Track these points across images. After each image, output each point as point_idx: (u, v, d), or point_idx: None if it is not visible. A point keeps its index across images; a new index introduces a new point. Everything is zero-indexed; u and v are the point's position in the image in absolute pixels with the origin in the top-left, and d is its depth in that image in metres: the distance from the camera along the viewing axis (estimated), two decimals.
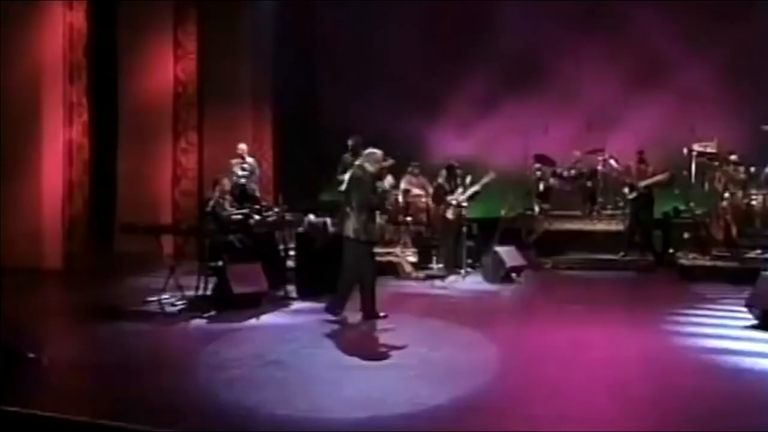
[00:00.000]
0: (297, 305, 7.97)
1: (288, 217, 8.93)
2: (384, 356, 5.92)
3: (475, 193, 9.76)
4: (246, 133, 12.14)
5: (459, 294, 8.74)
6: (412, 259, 10.04)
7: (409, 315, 7.52)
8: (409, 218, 10.83)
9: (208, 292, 7.84)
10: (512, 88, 12.50)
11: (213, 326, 7.04)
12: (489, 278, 9.41)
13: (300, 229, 8.89)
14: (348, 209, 6.86)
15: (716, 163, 10.19)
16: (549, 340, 6.41)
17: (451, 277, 9.57)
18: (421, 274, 9.79)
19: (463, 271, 9.58)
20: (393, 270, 9.75)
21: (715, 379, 5.25)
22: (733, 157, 10.09)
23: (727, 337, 6.48)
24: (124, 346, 6.27)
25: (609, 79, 12.09)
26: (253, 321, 7.22)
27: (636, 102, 11.92)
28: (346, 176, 9.61)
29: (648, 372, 5.47)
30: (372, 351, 6.17)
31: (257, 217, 8.50)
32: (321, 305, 7.60)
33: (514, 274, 9.39)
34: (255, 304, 7.59)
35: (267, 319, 7.33)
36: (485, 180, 9.56)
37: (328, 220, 8.94)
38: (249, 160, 10.65)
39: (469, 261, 9.83)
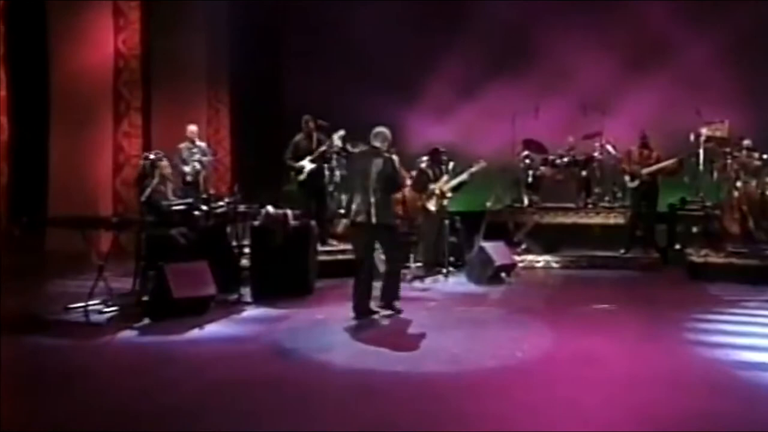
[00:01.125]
0: (251, 311, 7.14)
1: (242, 208, 7.98)
2: (349, 381, 4.97)
3: (462, 183, 8.98)
4: (200, 116, 11.57)
5: (441, 297, 7.94)
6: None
7: (381, 324, 6.65)
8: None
9: (145, 297, 6.85)
10: (498, 68, 11.98)
11: (145, 339, 6.11)
12: (474, 278, 8.64)
13: (256, 223, 7.95)
14: (363, 194, 6.48)
15: (727, 149, 9.43)
16: (552, 355, 5.59)
17: (432, 278, 8.78)
18: None
19: (445, 270, 8.80)
20: None
21: (759, 402, 4.43)
22: (746, 142, 9.36)
23: (761, 348, 5.62)
24: (32, 365, 5.28)
25: (606, 57, 11.56)
26: (195, 332, 6.25)
27: (636, 82, 11.39)
28: (306, 163, 8.99)
29: (675, 393, 4.65)
30: (335, 373, 5.18)
31: (204, 207, 7.47)
32: (278, 312, 6.86)
33: (503, 274, 8.64)
34: (200, 310, 6.75)
35: (213, 329, 6.42)
36: (474, 168, 8.78)
37: (289, 212, 7.99)
38: (200, 144, 9.88)
39: (452, 259, 9.11)
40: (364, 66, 12.06)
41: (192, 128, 9.82)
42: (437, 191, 9.09)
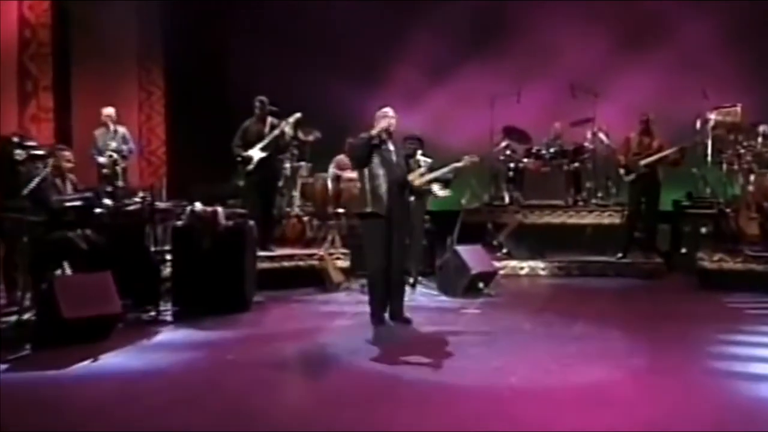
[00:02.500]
0: (167, 335, 6.08)
1: (163, 205, 6.98)
2: None
3: (444, 181, 7.85)
4: (129, 99, 10.86)
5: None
6: (343, 263, 8.24)
7: (332, 349, 5.59)
8: (341, 210, 9.02)
9: (28, 317, 5.77)
10: (474, 46, 11.31)
11: (18, 376, 4.86)
12: (447, 289, 7.71)
13: (179, 223, 6.90)
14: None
15: (740, 137, 8.57)
16: (550, 392, 4.51)
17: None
18: (354, 283, 7.98)
19: (411, 279, 7.79)
20: (316, 279, 7.99)
21: None
22: (762, 129, 8.50)
23: None
24: None
25: (597, 32, 10.80)
26: (84, 366, 5.01)
27: (632, 60, 10.70)
28: (256, 152, 8.02)
29: None
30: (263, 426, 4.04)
31: (108, 202, 6.30)
32: (203, 335, 5.90)
33: (480, 284, 7.68)
34: (100, 334, 5.68)
35: (111, 361, 5.26)
36: (461, 163, 7.45)
37: (220, 210, 6.90)
38: (119, 129, 8.85)
39: (420, 267, 8.24)
40: (324, 45, 11.37)
41: (108, 111, 8.78)
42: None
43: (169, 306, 6.75)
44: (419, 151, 8.10)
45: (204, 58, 11.29)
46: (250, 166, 8.08)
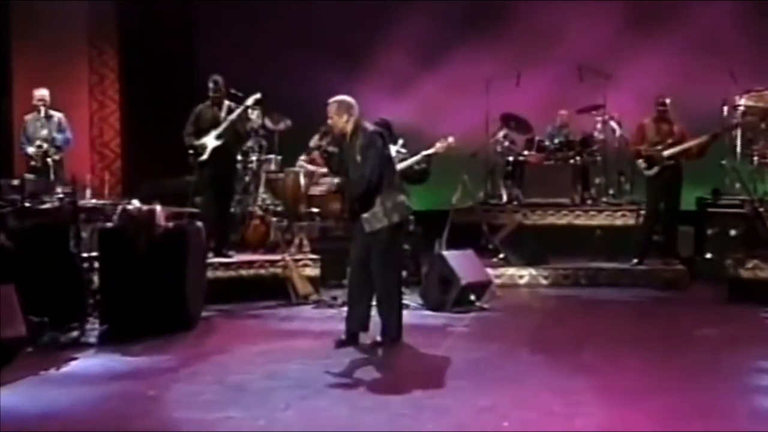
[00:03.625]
0: (85, 361, 5.29)
1: (90, 203, 6.29)
2: None
3: (421, 172, 7.32)
4: (78, 84, 10.35)
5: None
6: (311, 271, 7.45)
7: (281, 382, 4.73)
8: (314, 209, 8.42)
9: None
10: (468, 26, 10.96)
11: None
12: (432, 302, 6.95)
13: (109, 224, 6.15)
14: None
15: None
16: None
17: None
18: (325, 295, 7.23)
19: None
20: (280, 290, 7.20)
21: None
22: None
23: None
24: None
25: (608, 9, 10.51)
26: None
27: (648, 38, 10.27)
28: (210, 139, 7.35)
29: None
30: None
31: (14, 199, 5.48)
32: (129, 362, 5.19)
33: (472, 296, 6.92)
34: (3, 360, 4.86)
35: (4, 400, 4.32)
36: (433, 149, 7.03)
37: (158, 209, 6.17)
38: (54, 115, 8.12)
39: (404, 274, 7.26)
40: (302, 25, 11.02)
41: (40, 93, 8.03)
42: None
43: (97, 324, 5.90)
44: (400, 140, 7.50)
45: (164, 37, 10.72)
46: (203, 157, 7.31)
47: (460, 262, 6.99)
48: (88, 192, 6.74)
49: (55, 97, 9.13)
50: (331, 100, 5.49)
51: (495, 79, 9.70)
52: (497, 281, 7.85)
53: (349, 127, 5.40)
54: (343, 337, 5.51)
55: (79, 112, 10.10)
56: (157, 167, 9.12)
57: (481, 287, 7.05)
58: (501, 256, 8.40)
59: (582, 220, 9.16)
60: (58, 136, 7.85)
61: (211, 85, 7.43)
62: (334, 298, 6.98)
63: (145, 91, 10.49)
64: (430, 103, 10.82)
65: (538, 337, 5.90)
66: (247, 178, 8.51)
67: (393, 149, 7.26)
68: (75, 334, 5.72)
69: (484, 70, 10.01)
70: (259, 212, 7.90)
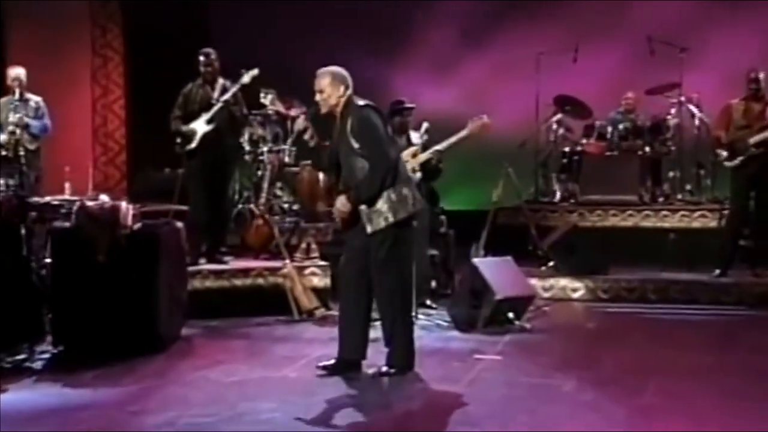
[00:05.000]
0: (16, 394, 4.59)
1: (43, 199, 5.75)
2: None
3: (432, 168, 6.69)
4: (80, 67, 10.11)
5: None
6: (319, 282, 6.81)
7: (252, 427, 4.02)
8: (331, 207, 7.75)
9: None
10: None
11: None
12: (460, 321, 6.20)
13: (66, 225, 5.56)
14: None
15: None
16: None
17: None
18: (334, 311, 6.47)
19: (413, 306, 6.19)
20: (281, 302, 6.54)
21: None
22: None
23: None
24: None
25: None
26: None
27: (733, 7, 9.65)
28: (200, 124, 6.81)
29: None
30: None
31: None
32: (72, 394, 4.56)
33: (510, 314, 6.17)
34: None
35: None
36: (465, 132, 6.48)
37: (123, 206, 5.59)
38: (32, 99, 7.59)
39: (434, 285, 7.09)
40: (333, 2, 10.71)
41: (15, 72, 7.43)
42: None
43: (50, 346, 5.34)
44: (425, 124, 6.82)
45: (175, 14, 10.58)
46: (191, 145, 6.73)
47: (496, 271, 6.27)
48: (67, 187, 6.20)
49: (54, 82, 9.01)
50: (323, 70, 4.74)
51: (547, 55, 9.25)
52: (545, 294, 7.39)
53: (341, 106, 4.60)
54: (332, 361, 4.73)
55: (81, 98, 10.02)
56: (166, 160, 8.64)
57: (522, 302, 6.33)
58: (551, 264, 7.83)
59: (651, 222, 8.69)
60: (34, 123, 7.31)
61: (201, 58, 6.83)
62: None
63: (152, 74, 10.20)
64: (476, 87, 10.56)
65: (590, 368, 5.04)
66: (260, 173, 7.97)
67: (415, 136, 6.76)
68: (21, 357, 5.16)
69: (536, 49, 9.56)
70: (259, 211, 7.20)
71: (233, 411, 4.15)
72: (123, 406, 4.27)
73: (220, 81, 6.84)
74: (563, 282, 7.56)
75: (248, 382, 4.67)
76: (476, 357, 5.26)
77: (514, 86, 9.94)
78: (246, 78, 6.75)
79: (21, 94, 7.32)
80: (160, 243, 5.47)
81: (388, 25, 10.70)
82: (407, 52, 10.92)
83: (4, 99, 7.37)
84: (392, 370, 4.68)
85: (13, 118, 7.10)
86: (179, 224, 5.89)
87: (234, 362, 5.19)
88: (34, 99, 7.46)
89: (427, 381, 4.68)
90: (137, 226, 5.46)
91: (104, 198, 5.72)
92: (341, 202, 4.58)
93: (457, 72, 10.86)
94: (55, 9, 9.75)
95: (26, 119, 7.19)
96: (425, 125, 6.75)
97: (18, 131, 7.07)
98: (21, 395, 4.50)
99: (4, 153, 7.02)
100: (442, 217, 7.46)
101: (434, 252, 7.05)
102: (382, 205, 4.56)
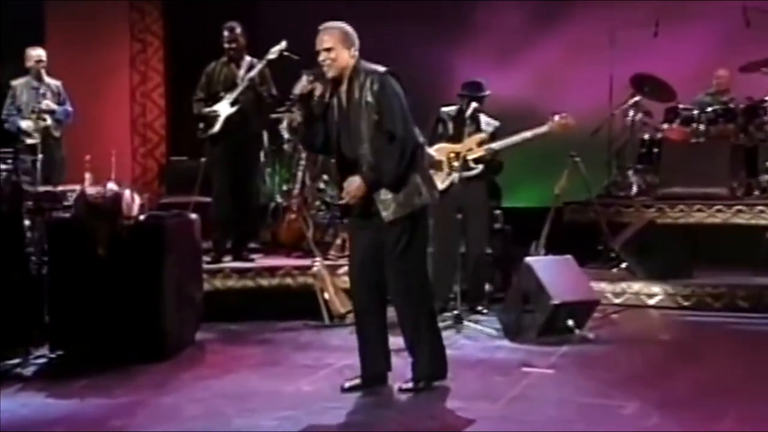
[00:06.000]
0: (4, 401, 4.30)
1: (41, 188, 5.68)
2: None
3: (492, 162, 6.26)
4: (117, 53, 10.00)
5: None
6: None
7: None
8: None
9: None
10: None
11: None
12: (512, 329, 5.72)
13: (64, 216, 5.40)
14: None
15: None
16: None
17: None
18: None
19: (456, 311, 5.88)
20: (312, 304, 6.13)
21: None
22: None
23: None
24: None
25: None
26: None
27: None
28: (223, 106, 6.47)
29: None
30: None
31: None
32: (60, 403, 4.27)
33: (570, 321, 5.60)
34: None
35: None
36: (544, 128, 6.04)
37: (127, 194, 5.20)
38: (50, 82, 7.38)
39: (488, 288, 6.66)
40: None
41: (37, 53, 7.25)
42: (452, 157, 6.20)
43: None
44: (473, 105, 6.25)
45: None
46: (214, 129, 6.34)
47: (554, 272, 5.71)
48: (87, 178, 5.92)
49: (91, 69, 9.12)
50: (330, 24, 4.18)
51: (623, 30, 8.67)
52: (616, 300, 6.73)
53: (349, 69, 4.07)
54: (357, 381, 4.21)
55: (119, 86, 9.90)
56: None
57: (583, 308, 5.74)
58: (624, 265, 7.24)
59: (744, 219, 8.06)
60: (57, 108, 7.14)
61: (225, 33, 6.48)
62: None
63: (194, 60, 9.32)
64: (546, 72, 10.16)
65: (658, 387, 4.43)
66: (302, 163, 7.48)
67: (484, 120, 6.27)
68: (15, 361, 4.89)
69: (610, 25, 9.03)
70: (293, 204, 6.79)
71: (226, 428, 3.74)
72: (106, 420, 3.92)
73: (247, 59, 6.50)
74: (637, 286, 6.95)
75: (254, 395, 4.25)
76: (523, 370, 4.71)
77: (586, 69, 9.44)
78: (272, 53, 6.35)
79: (40, 77, 7.17)
80: (166, 235, 5.10)
81: (447, 6, 10.37)
82: (470, 36, 10.57)
83: (20, 81, 7.21)
84: (420, 384, 4.16)
85: (38, 104, 6.95)
86: (193, 216, 5.53)
87: (245, 371, 4.80)
88: (54, 83, 7.31)
89: (459, 397, 4.16)
90: (142, 217, 5.13)
91: (112, 186, 5.41)
92: (356, 185, 4.02)
93: (525, 56, 10.41)
94: None
95: (53, 105, 7.04)
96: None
97: (48, 119, 6.95)
98: (11, 407, 4.15)
99: (30, 141, 6.85)
100: (497, 212, 7.04)
101: (489, 250, 6.58)
102: (405, 189, 4.03)
